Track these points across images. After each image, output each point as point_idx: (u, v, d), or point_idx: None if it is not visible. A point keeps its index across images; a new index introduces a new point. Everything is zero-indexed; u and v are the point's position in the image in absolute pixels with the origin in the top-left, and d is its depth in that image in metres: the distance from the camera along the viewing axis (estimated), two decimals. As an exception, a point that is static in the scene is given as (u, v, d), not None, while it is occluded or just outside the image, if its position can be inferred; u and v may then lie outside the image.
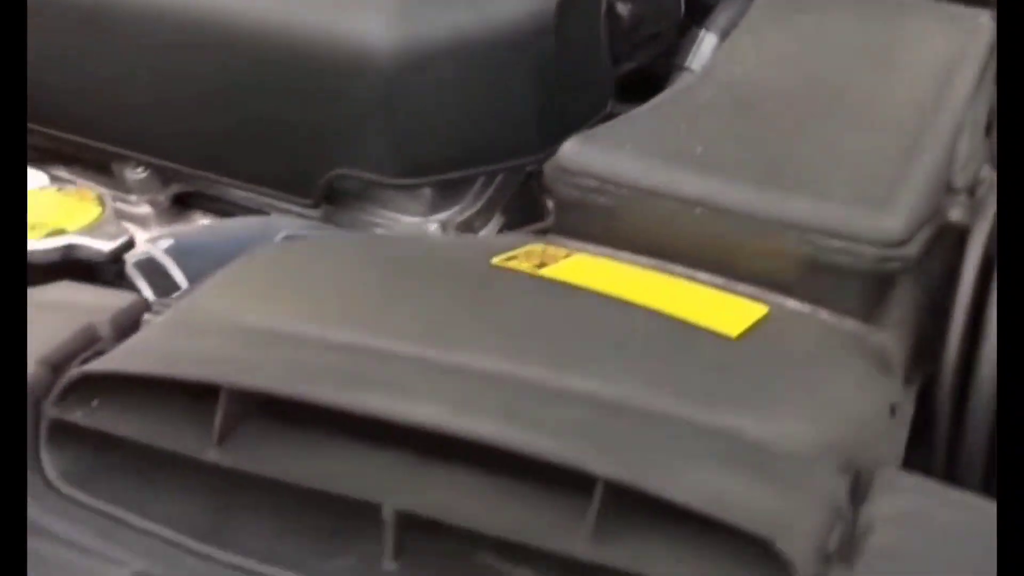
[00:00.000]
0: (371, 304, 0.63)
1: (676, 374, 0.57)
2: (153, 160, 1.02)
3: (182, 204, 1.05)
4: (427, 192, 0.94)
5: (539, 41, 0.86)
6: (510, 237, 0.78)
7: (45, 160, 1.03)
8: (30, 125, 0.99)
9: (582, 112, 0.92)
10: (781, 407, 0.56)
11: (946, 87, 0.73)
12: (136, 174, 1.03)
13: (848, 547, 0.50)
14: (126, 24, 0.98)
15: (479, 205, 0.95)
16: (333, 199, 0.95)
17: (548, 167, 0.72)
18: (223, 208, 1.03)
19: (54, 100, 0.99)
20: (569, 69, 0.90)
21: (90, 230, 0.72)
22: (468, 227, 0.94)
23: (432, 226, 0.94)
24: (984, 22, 0.80)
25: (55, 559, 0.58)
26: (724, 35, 0.97)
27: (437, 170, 0.91)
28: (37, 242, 0.72)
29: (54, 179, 0.94)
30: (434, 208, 0.95)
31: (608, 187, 0.70)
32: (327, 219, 0.96)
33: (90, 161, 1.04)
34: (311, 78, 0.89)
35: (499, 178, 0.97)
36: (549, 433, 0.53)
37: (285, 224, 0.82)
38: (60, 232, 0.72)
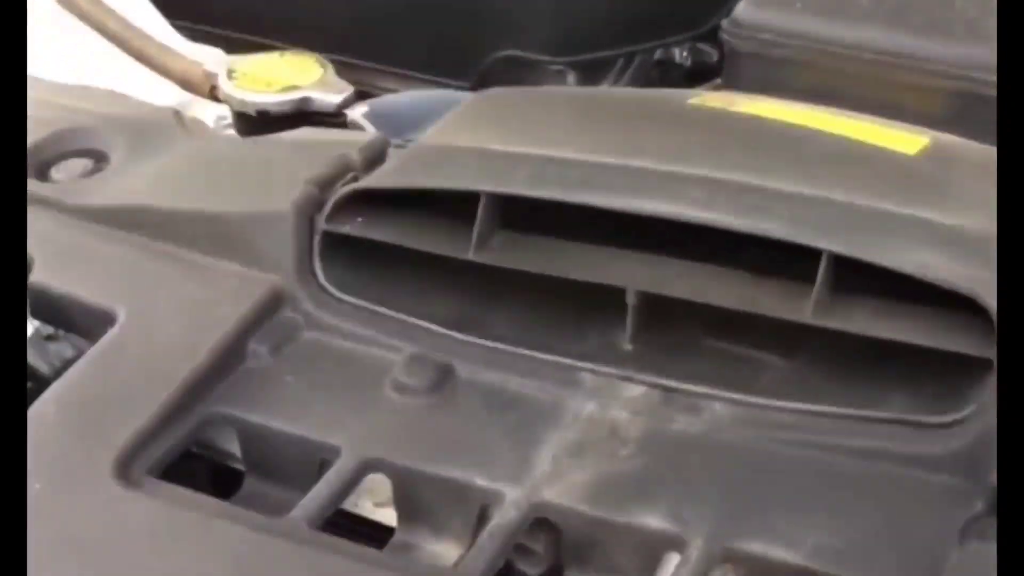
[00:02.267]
0: (594, 131, 0.73)
1: (874, 178, 0.67)
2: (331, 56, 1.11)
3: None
4: (571, 76, 1.03)
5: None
6: (687, 91, 0.87)
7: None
8: (215, 30, 1.08)
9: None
10: (963, 204, 0.65)
11: None
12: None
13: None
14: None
15: (622, 83, 1.04)
16: (485, 84, 1.05)
17: (727, 24, 0.82)
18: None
19: (242, 5, 1.07)
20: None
21: (319, 85, 0.82)
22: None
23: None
24: None
25: (336, 348, 0.68)
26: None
27: (589, 49, 1.00)
28: (274, 95, 0.81)
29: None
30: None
31: (782, 39, 0.79)
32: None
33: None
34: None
35: (636, 62, 1.06)
36: (778, 220, 0.62)
37: (463, 95, 0.91)
38: (293, 88, 0.81)
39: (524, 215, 0.68)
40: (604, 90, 0.94)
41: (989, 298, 0.58)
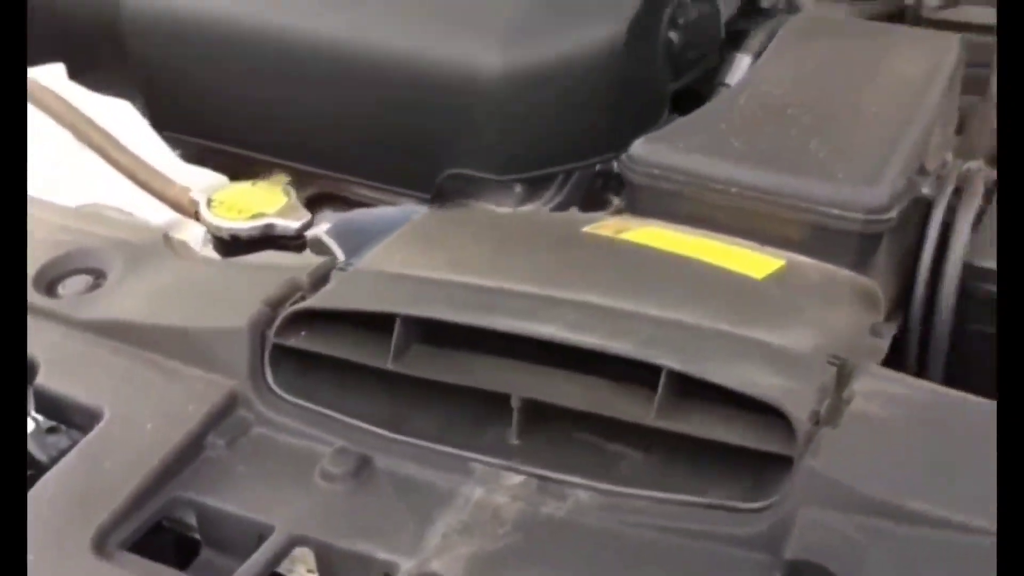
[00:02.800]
0: (499, 257, 0.88)
1: (719, 303, 0.81)
2: (294, 166, 1.27)
3: (314, 203, 1.30)
4: (518, 188, 1.18)
5: (611, 64, 1.11)
6: (593, 215, 1.02)
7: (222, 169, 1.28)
8: (214, 144, 1.24)
9: (644, 120, 1.16)
10: (791, 324, 0.79)
11: (921, 94, 0.96)
12: (277, 179, 1.28)
13: (834, 413, 0.73)
14: (277, 62, 1.22)
15: (559, 199, 1.18)
16: (444, 195, 1.20)
17: (622, 160, 0.97)
18: (349, 206, 1.27)
19: (231, 125, 1.23)
20: (634, 86, 1.14)
21: (282, 212, 0.97)
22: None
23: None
24: (953, 43, 1.03)
25: (280, 441, 0.83)
26: (756, 56, 1.21)
27: (532, 167, 1.16)
28: (244, 222, 0.97)
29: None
30: (522, 202, 1.18)
31: (669, 174, 0.94)
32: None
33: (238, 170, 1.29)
34: (432, 96, 1.13)
35: (575, 177, 1.20)
36: (631, 341, 0.77)
37: (418, 210, 1.06)
38: (260, 215, 0.97)
39: (437, 330, 0.82)
40: (520, 215, 1.09)
41: (793, 408, 0.72)
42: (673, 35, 1.20)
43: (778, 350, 0.76)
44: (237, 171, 1.26)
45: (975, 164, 0.94)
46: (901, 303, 0.91)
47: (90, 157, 1.11)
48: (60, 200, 1.03)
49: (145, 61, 1.28)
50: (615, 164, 1.16)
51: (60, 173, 1.12)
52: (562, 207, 1.19)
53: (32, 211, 0.93)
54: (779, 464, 0.73)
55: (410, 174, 1.19)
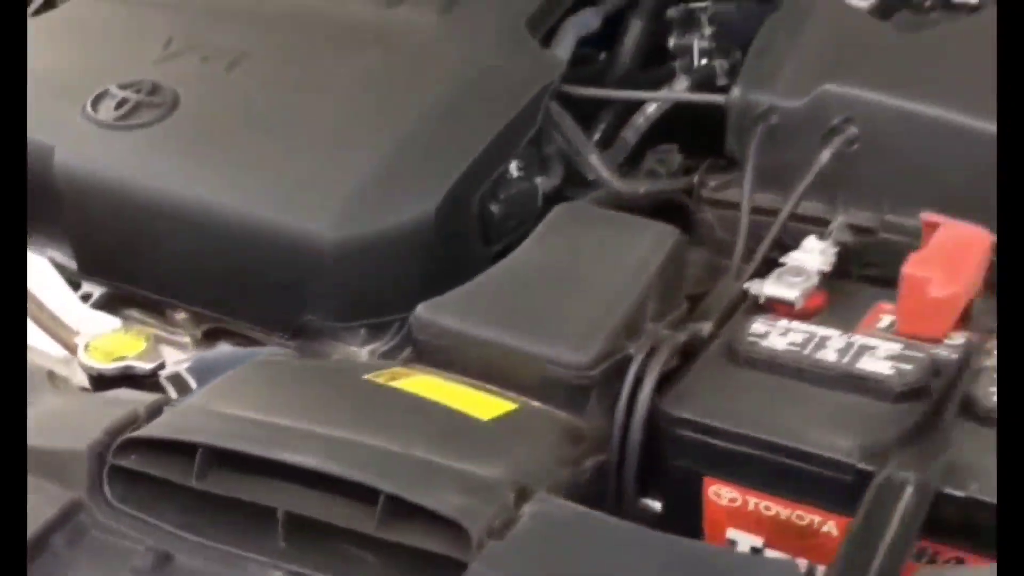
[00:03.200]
0: (291, 400, 1.13)
1: (443, 438, 1.05)
2: (188, 307, 1.53)
3: (212, 337, 1.55)
4: (363, 331, 1.43)
5: (426, 237, 1.37)
6: (384, 363, 1.26)
7: (127, 306, 1.54)
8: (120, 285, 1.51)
9: (465, 275, 1.40)
10: (492, 457, 1.03)
11: (638, 273, 1.21)
12: (179, 316, 1.54)
13: (505, 529, 0.97)
14: (162, 221, 1.48)
15: (395, 341, 1.41)
16: (304, 334, 1.45)
17: (410, 319, 1.22)
18: (240, 340, 1.53)
19: (134, 267, 1.49)
20: (451, 252, 1.40)
21: (140, 357, 1.23)
22: (390, 356, 1.43)
23: (363, 355, 1.43)
24: (669, 233, 1.28)
25: (109, 542, 1.07)
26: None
27: (370, 316, 1.41)
28: (109, 364, 1.23)
29: (126, 319, 1.46)
30: (367, 343, 1.42)
31: (442, 333, 1.20)
32: (301, 348, 1.46)
33: (152, 307, 1.55)
34: (283, 257, 1.39)
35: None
36: (362, 468, 1.01)
37: (259, 352, 1.32)
38: (122, 358, 1.22)
39: (229, 456, 1.07)
40: (324, 364, 1.34)
41: (469, 522, 0.95)
42: (494, 207, 1.46)
43: (472, 476, 1.00)
44: (149, 309, 1.53)
45: (667, 331, 1.19)
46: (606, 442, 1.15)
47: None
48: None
49: (73, 215, 1.55)
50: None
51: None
52: (400, 347, 1.43)
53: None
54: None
55: (274, 318, 1.45)
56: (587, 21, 1.73)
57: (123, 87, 1.61)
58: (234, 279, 1.45)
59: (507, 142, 1.47)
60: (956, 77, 1.39)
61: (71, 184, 1.54)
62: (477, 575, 0.93)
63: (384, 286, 1.39)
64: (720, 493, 1.13)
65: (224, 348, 1.41)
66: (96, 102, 1.59)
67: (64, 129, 1.57)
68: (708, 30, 1.79)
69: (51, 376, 1.23)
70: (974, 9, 1.52)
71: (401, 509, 0.99)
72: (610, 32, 1.78)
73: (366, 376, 1.16)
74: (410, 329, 1.24)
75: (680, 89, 1.74)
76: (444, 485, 0.99)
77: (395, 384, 1.14)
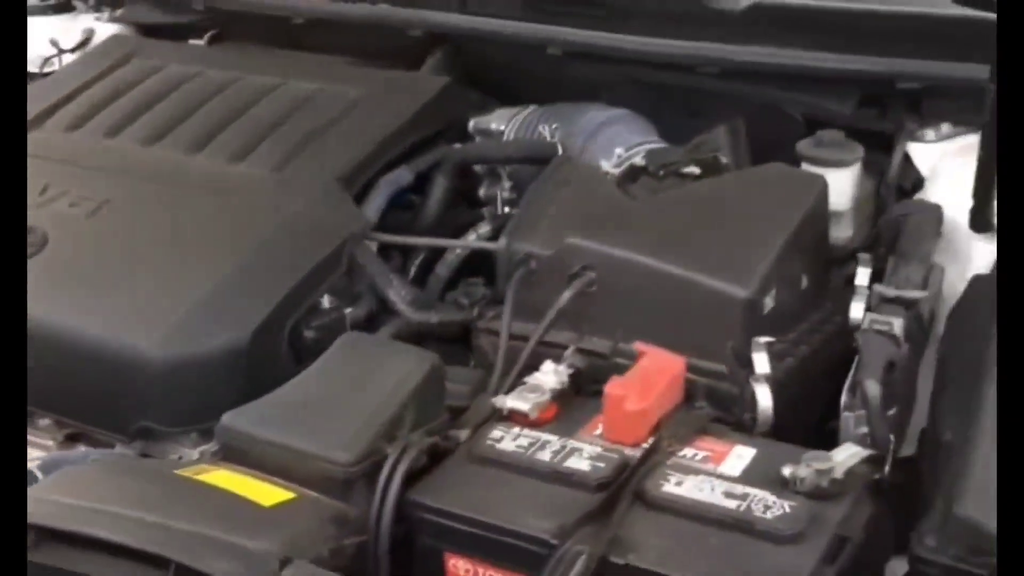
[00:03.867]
0: (110, 491, 1.41)
1: (228, 519, 1.34)
2: (50, 415, 1.80)
3: (72, 440, 1.82)
4: (193, 434, 1.71)
5: (239, 360, 1.67)
6: (200, 464, 1.55)
7: None
8: None
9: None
10: (263, 535, 1.32)
11: (393, 395, 1.53)
12: (43, 422, 1.82)
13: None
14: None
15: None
16: (143, 437, 1.73)
17: (216, 426, 1.52)
18: (94, 443, 1.80)
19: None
20: (263, 371, 1.70)
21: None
22: (217, 456, 1.71)
23: (195, 455, 1.71)
24: (427, 357, 1.61)
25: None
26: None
27: (195, 423, 1.70)
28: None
29: None
30: (197, 444, 1.70)
31: (240, 439, 1.49)
32: (142, 449, 1.73)
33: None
34: (121, 372, 1.68)
35: None
36: (159, 543, 1.29)
37: (94, 453, 1.61)
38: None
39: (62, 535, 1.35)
40: (147, 462, 1.63)
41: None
42: (307, 333, 1.77)
43: (245, 549, 1.29)
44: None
45: (419, 437, 1.49)
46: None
47: None
48: None
49: None
50: None
51: None
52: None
53: None
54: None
55: (116, 424, 1.73)
56: (400, 177, 2.07)
57: None
58: (83, 390, 1.74)
59: (315, 280, 1.79)
60: (674, 234, 1.75)
61: None
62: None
63: (208, 398, 1.68)
64: (458, 565, 1.43)
65: (79, 449, 1.69)
66: None
67: None
68: (507, 183, 2.15)
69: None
70: (698, 177, 1.88)
71: (189, 574, 1.28)
72: (421, 184, 2.12)
73: (176, 471, 1.45)
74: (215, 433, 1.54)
75: (483, 232, 2.08)
76: (221, 555, 1.28)
77: (199, 477, 1.43)
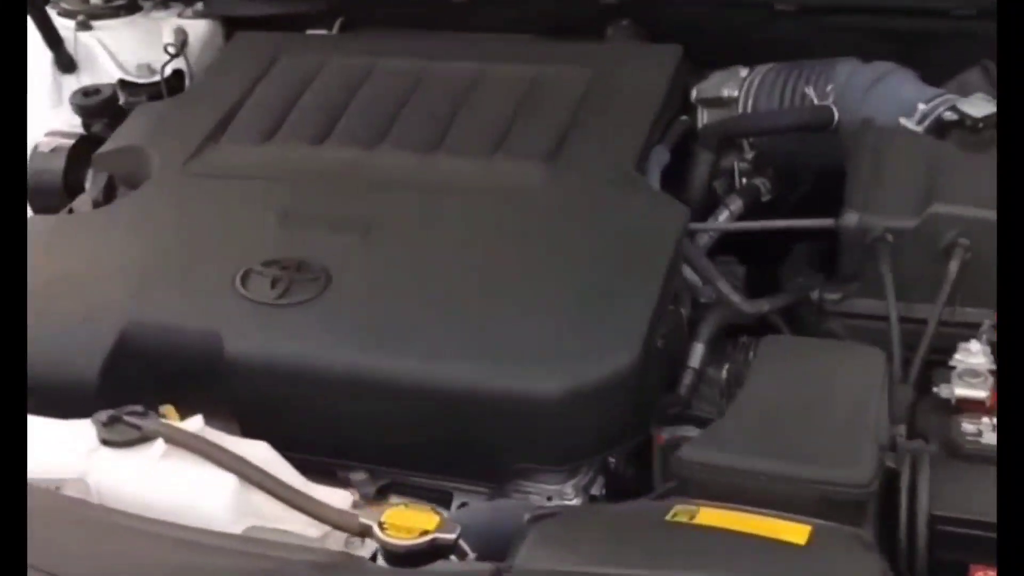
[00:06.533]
0: (621, 550, 1.26)
1: (776, 564, 1.21)
2: (367, 466, 1.60)
3: (383, 492, 1.63)
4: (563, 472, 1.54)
5: (630, 383, 1.51)
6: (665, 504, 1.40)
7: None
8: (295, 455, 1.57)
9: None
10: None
11: (864, 395, 1.40)
12: (355, 476, 1.62)
13: None
14: (347, 389, 1.55)
15: (591, 475, 1.55)
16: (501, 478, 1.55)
17: (673, 460, 1.37)
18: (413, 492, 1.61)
19: (304, 435, 1.54)
20: (646, 394, 1.54)
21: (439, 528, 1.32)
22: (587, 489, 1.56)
23: (568, 491, 1.55)
24: (875, 354, 1.48)
25: None
26: (706, 344, 1.68)
27: (579, 458, 1.53)
28: (415, 540, 1.31)
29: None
30: (566, 480, 1.53)
31: (711, 470, 1.35)
32: (495, 491, 1.56)
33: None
34: (500, 417, 1.49)
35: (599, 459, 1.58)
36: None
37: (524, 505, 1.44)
38: (426, 532, 1.30)
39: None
40: (620, 511, 1.43)
41: None
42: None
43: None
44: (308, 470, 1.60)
45: (919, 443, 1.38)
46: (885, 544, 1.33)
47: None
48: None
49: (244, 393, 1.61)
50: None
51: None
52: (592, 481, 1.57)
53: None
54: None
55: (480, 469, 1.55)
56: (662, 156, 1.92)
57: (267, 265, 1.68)
58: (437, 437, 1.54)
59: (671, 282, 1.63)
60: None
61: (243, 366, 1.60)
62: None
63: (597, 430, 1.52)
64: (986, 576, 1.33)
65: (477, 505, 1.51)
66: (245, 281, 1.66)
67: (223, 313, 1.63)
68: (749, 154, 2.03)
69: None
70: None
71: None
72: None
73: (665, 518, 1.30)
74: (672, 467, 1.38)
75: (736, 207, 1.96)
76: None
77: (696, 522, 1.29)
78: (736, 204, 1.96)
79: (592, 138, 1.84)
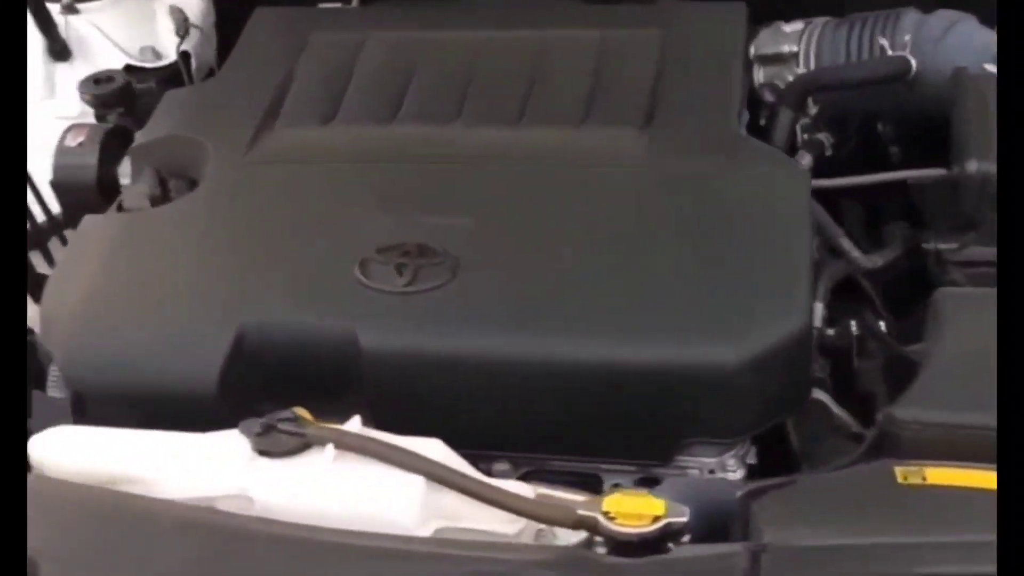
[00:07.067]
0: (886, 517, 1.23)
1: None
2: (514, 455, 1.54)
3: (527, 477, 1.56)
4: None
5: (807, 348, 1.49)
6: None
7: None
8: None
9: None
10: None
11: None
12: (498, 466, 1.55)
13: None
14: (494, 376, 1.48)
15: (746, 446, 1.52)
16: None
17: (883, 419, 1.34)
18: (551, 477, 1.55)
19: (444, 426, 1.42)
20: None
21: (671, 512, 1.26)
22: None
23: (731, 461, 1.52)
24: None
25: None
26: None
27: (753, 429, 1.49)
28: (649, 528, 1.24)
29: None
30: (723, 451, 1.50)
31: (927, 427, 1.33)
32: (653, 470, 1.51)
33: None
34: (673, 392, 1.45)
35: None
36: None
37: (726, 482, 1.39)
38: (658, 518, 1.24)
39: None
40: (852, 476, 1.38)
41: None
42: None
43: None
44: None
45: None
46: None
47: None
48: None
49: (381, 389, 1.52)
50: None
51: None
52: (748, 451, 1.54)
53: None
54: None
55: (645, 449, 1.50)
56: (744, 115, 1.89)
57: (384, 251, 1.58)
58: (592, 417, 1.48)
59: (813, 245, 1.60)
60: None
61: (382, 361, 1.51)
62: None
63: (770, 397, 1.48)
64: None
65: (673, 482, 1.45)
66: (365, 271, 1.56)
67: (351, 306, 1.53)
68: (813, 109, 2.01)
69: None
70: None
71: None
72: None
73: (898, 481, 1.28)
74: (881, 428, 1.35)
75: (805, 163, 1.94)
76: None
77: (931, 483, 1.27)
78: (806, 159, 1.94)
79: (685, 102, 1.80)
